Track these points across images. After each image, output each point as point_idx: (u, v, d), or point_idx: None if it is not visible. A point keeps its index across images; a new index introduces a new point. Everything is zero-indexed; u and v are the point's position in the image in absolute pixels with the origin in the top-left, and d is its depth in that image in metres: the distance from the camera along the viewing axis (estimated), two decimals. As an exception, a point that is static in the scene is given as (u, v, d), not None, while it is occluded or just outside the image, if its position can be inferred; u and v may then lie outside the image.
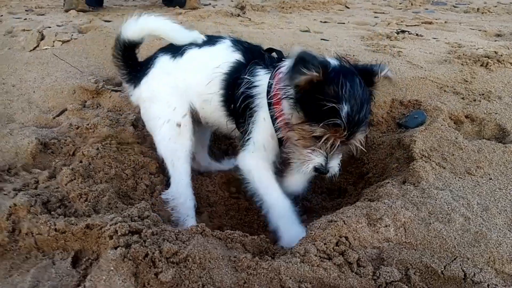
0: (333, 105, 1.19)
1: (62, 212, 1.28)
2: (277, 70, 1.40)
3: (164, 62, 1.61)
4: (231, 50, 1.54)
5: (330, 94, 1.20)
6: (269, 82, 1.41)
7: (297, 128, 1.29)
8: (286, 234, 1.38)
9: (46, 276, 1.09)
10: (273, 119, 1.40)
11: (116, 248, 1.03)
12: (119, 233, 1.08)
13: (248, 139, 1.47)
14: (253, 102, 1.45)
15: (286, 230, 1.39)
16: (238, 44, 1.58)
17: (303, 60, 1.19)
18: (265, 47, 1.61)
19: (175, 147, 1.57)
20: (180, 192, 1.53)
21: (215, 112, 1.58)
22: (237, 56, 1.52)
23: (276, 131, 1.41)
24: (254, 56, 1.52)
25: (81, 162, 1.53)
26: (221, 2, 4.85)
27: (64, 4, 4.01)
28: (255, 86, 1.45)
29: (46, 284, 1.06)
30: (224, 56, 1.53)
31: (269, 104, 1.40)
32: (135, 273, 1.01)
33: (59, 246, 1.19)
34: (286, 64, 1.34)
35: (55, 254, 1.17)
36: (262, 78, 1.45)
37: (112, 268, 0.99)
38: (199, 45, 1.59)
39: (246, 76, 1.46)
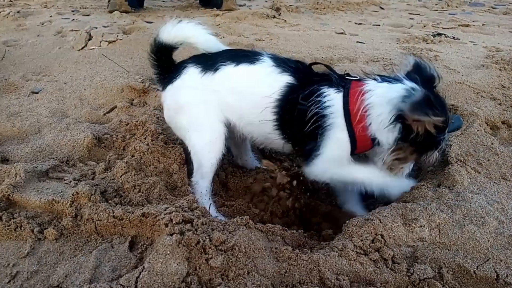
0: (440, 139, 1.40)
1: (119, 201, 1.41)
2: (355, 89, 1.43)
3: (192, 75, 1.59)
4: (277, 72, 1.50)
5: (440, 130, 1.37)
6: (343, 101, 1.43)
7: (405, 154, 1.45)
8: (394, 189, 1.53)
9: (107, 258, 1.21)
10: (352, 139, 1.44)
11: (171, 235, 1.14)
12: (173, 222, 1.19)
13: (318, 155, 1.47)
14: (325, 122, 1.44)
15: (392, 186, 1.53)
16: (280, 63, 1.53)
17: (430, 104, 1.29)
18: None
19: (203, 155, 1.61)
20: (199, 197, 1.59)
21: (264, 135, 1.59)
22: (286, 78, 1.49)
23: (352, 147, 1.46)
24: (304, 74, 1.51)
25: (133, 156, 1.66)
26: (256, 3, 4.95)
27: (108, 5, 4.21)
28: (327, 106, 1.44)
29: (107, 264, 1.19)
30: (272, 82, 1.49)
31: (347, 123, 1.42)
32: (188, 257, 1.12)
33: (116, 231, 1.31)
34: (392, 91, 1.39)
35: (113, 239, 1.29)
36: (333, 97, 1.44)
37: (168, 252, 1.10)
38: (235, 61, 1.54)
39: (314, 98, 1.44)
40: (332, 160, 1.48)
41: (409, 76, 1.46)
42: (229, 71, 1.55)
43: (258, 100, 1.50)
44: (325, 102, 1.44)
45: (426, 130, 1.35)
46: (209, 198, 1.62)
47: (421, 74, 1.45)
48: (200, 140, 1.61)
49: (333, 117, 1.44)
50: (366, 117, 1.41)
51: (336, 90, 1.46)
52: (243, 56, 1.57)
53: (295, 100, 1.46)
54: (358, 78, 1.52)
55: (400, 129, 1.38)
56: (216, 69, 1.56)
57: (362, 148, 1.51)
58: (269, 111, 1.50)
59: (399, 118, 1.36)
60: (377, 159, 1.53)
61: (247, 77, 1.54)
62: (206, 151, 1.61)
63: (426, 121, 1.32)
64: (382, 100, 1.40)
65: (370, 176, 1.53)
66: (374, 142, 1.46)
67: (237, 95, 1.55)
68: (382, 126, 1.40)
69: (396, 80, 1.45)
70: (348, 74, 1.56)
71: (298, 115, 1.46)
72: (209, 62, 1.59)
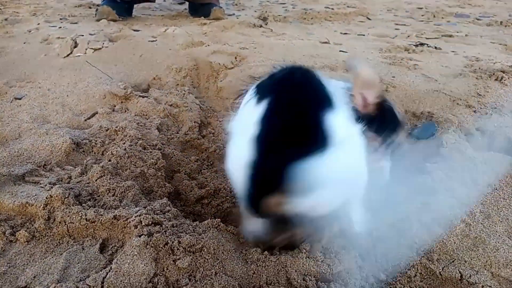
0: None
1: (92, 204, 1.42)
2: None
3: None
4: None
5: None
6: None
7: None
8: None
9: (77, 259, 1.22)
10: None
11: (140, 236, 1.15)
12: (143, 223, 1.20)
13: None
14: None
15: None
16: None
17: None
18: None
19: None
20: None
21: None
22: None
23: None
24: None
25: (110, 160, 1.67)
26: (245, 12, 5.00)
27: (96, 14, 4.24)
28: None
29: (76, 266, 1.19)
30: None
31: None
32: (155, 258, 1.13)
33: (88, 234, 1.32)
34: None
35: (85, 241, 1.30)
36: None
37: (136, 253, 1.11)
38: None
39: None
40: None
41: None
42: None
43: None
44: None
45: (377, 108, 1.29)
46: None
47: None
48: None
49: None
50: None
51: None
52: None
53: None
54: None
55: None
56: None
57: None
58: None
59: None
60: None
61: None
62: None
63: None
64: None
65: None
66: None
67: None
68: None
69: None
70: None
71: None
72: None
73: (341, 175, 1.06)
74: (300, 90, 1.14)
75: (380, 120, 1.32)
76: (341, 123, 1.08)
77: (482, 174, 1.62)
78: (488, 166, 1.64)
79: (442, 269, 1.21)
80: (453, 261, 1.23)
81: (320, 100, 1.11)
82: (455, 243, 1.28)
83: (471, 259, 1.24)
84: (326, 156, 1.00)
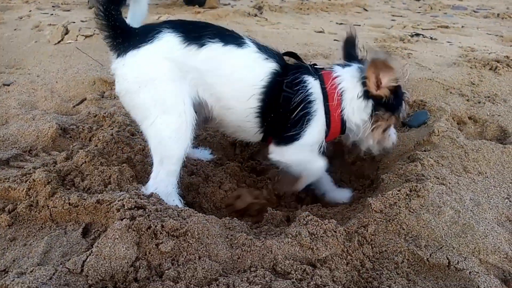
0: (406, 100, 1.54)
1: (76, 189, 1.39)
2: (328, 76, 1.50)
3: (170, 43, 1.36)
4: (263, 58, 1.45)
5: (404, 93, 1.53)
6: (322, 88, 1.48)
7: (384, 121, 1.52)
8: (337, 194, 1.68)
9: (58, 243, 1.19)
10: (327, 120, 1.49)
11: (122, 220, 1.13)
12: (125, 207, 1.18)
13: (294, 140, 1.48)
14: (308, 108, 1.45)
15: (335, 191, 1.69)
16: (262, 49, 1.47)
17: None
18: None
19: (170, 145, 1.39)
20: (162, 196, 1.37)
21: (239, 121, 1.51)
22: (271, 65, 1.45)
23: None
24: (284, 62, 1.50)
25: (96, 146, 1.65)
26: (241, 2, 4.95)
27: (88, 1, 4.18)
28: (311, 93, 1.46)
29: (57, 250, 1.17)
30: (259, 68, 1.44)
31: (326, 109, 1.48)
32: (138, 242, 1.10)
33: (71, 218, 1.29)
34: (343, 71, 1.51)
35: (68, 226, 1.27)
36: (314, 85, 1.47)
37: (117, 237, 1.09)
38: (223, 40, 1.40)
39: (299, 86, 1.45)
40: (307, 145, 1.50)
41: (348, 55, 1.58)
42: (216, 50, 1.38)
43: (244, 86, 1.43)
44: (309, 89, 1.46)
45: (391, 91, 1.45)
46: (179, 199, 1.45)
47: (351, 44, 1.60)
48: (168, 124, 1.37)
49: (316, 103, 1.47)
50: (341, 102, 1.48)
51: (314, 78, 1.49)
52: (230, 36, 1.44)
53: (280, 87, 1.45)
54: (323, 68, 1.56)
55: (372, 104, 1.47)
56: (202, 44, 1.37)
57: (332, 136, 1.56)
58: (255, 98, 1.44)
59: (367, 93, 1.46)
60: (359, 140, 1.60)
61: (235, 61, 1.42)
62: (174, 139, 1.38)
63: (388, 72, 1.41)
64: (350, 86, 1.48)
65: (329, 184, 1.69)
66: (343, 128, 1.53)
67: (221, 78, 1.42)
68: (354, 107, 1.48)
69: (347, 64, 1.55)
70: (315, 64, 1.58)
71: (283, 103, 1.45)
72: (192, 33, 1.38)
73: None
74: None
75: (390, 102, 1.48)
76: None
77: (474, 162, 1.60)
78: (479, 154, 1.62)
79: (430, 255, 1.19)
80: (441, 248, 1.22)
81: None
82: (443, 229, 1.27)
83: (459, 246, 1.22)
84: None
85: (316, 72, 1.52)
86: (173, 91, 1.38)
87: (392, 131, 1.62)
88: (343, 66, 1.54)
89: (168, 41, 1.36)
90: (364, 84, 1.45)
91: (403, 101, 1.53)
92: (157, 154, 1.42)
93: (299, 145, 1.48)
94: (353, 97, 1.48)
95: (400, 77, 1.45)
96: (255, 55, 1.44)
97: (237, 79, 1.44)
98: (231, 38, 1.43)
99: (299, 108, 1.44)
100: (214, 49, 1.38)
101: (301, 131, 1.47)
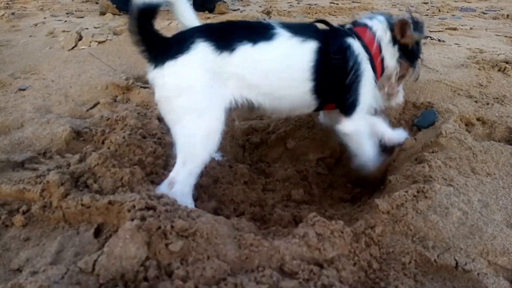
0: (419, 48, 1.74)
1: (88, 191, 1.43)
2: (362, 31, 1.63)
3: (204, 52, 1.42)
4: (300, 41, 1.50)
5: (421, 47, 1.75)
6: (362, 44, 1.60)
7: (403, 70, 1.74)
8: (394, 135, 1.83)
9: (71, 243, 1.23)
10: (375, 76, 1.64)
11: (132, 220, 1.16)
12: (136, 208, 1.21)
13: (354, 106, 1.61)
14: (359, 69, 1.57)
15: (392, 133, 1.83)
16: (295, 30, 1.52)
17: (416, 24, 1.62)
18: None
19: (199, 147, 1.45)
20: (177, 195, 1.41)
21: (294, 104, 1.60)
22: (311, 45, 1.51)
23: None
24: (319, 34, 1.56)
25: (109, 148, 1.68)
26: (250, 8, 5.00)
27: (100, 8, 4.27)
28: (358, 54, 1.57)
29: (70, 249, 1.20)
30: (300, 51, 1.50)
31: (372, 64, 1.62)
32: (148, 242, 1.13)
33: (84, 219, 1.33)
34: (379, 25, 1.65)
35: (80, 226, 1.31)
36: (356, 45, 1.58)
37: (127, 237, 1.11)
38: (251, 40, 1.44)
39: (346, 52, 1.55)
40: (367, 107, 1.66)
41: None
42: (248, 52, 1.45)
43: (292, 74, 1.52)
44: (354, 51, 1.57)
45: (413, 43, 1.66)
46: (192, 200, 1.48)
47: None
48: (199, 128, 1.44)
49: (364, 62, 1.58)
50: (380, 52, 1.64)
51: (354, 38, 1.59)
52: (257, 32, 1.49)
53: (327, 60, 1.53)
54: (351, 26, 1.69)
55: (398, 49, 1.67)
56: (233, 49, 1.43)
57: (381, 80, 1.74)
58: (307, 80, 1.52)
59: (395, 40, 1.65)
60: (384, 91, 1.77)
61: (272, 55, 1.48)
62: (204, 142, 1.45)
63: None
64: (383, 32, 1.64)
65: (384, 127, 1.82)
66: (383, 72, 1.69)
67: (265, 75, 1.49)
68: (390, 53, 1.67)
69: (371, 16, 1.72)
70: (343, 25, 1.70)
71: (335, 71, 1.55)
72: (222, 39, 1.44)
73: None
74: None
75: (413, 51, 1.69)
76: None
77: (482, 163, 1.60)
78: (488, 155, 1.61)
79: (437, 257, 1.20)
80: (448, 249, 1.22)
81: None
82: (451, 230, 1.27)
83: (467, 247, 1.22)
84: None
85: (352, 31, 1.62)
86: (208, 97, 1.45)
87: (401, 91, 1.81)
88: (370, 18, 1.70)
89: (202, 50, 1.42)
90: (392, 30, 1.64)
91: (420, 56, 1.74)
92: (182, 155, 1.47)
93: (360, 110, 1.63)
94: (387, 43, 1.65)
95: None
96: (291, 41, 1.50)
97: (282, 70, 1.51)
98: (259, 33, 1.49)
99: (352, 72, 1.55)
100: (245, 51, 1.45)
101: (358, 95, 1.59)
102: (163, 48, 1.44)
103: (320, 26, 1.65)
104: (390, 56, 1.67)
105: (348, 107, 1.62)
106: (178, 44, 1.43)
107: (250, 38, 1.45)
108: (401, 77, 1.75)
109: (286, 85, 1.53)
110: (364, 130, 1.71)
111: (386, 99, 1.80)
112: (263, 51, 1.47)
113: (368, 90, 1.61)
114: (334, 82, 1.56)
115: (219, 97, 1.47)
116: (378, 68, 1.65)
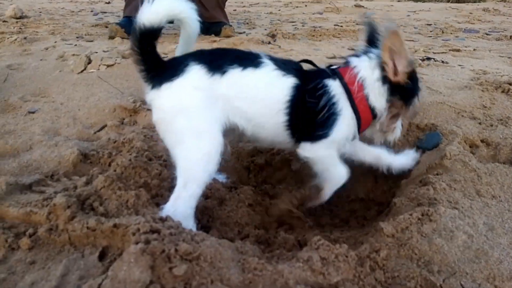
0: (417, 84, 1.62)
1: (94, 213, 1.44)
2: (345, 71, 1.59)
3: (198, 75, 1.48)
4: (282, 75, 1.54)
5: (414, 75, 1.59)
6: (342, 84, 1.57)
7: (395, 109, 1.63)
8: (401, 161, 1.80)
9: (76, 267, 1.24)
10: (357, 116, 1.60)
11: (137, 244, 1.16)
12: (141, 231, 1.22)
13: (321, 137, 1.58)
14: (333, 109, 1.55)
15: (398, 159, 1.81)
16: (280, 64, 1.57)
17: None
18: None
19: (199, 168, 1.49)
20: (180, 218, 1.41)
21: (271, 136, 1.63)
22: (291, 80, 1.54)
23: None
24: (301, 73, 1.58)
25: (115, 170, 1.71)
26: (255, 31, 5.09)
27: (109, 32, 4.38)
28: (333, 95, 1.55)
29: (75, 273, 1.21)
30: (281, 85, 1.54)
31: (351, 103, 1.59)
32: (152, 266, 1.13)
33: (89, 242, 1.34)
34: (360, 65, 1.58)
35: (85, 249, 1.32)
36: (334, 86, 1.56)
37: (132, 260, 1.12)
38: (241, 65, 1.52)
39: (320, 92, 1.54)
40: (335, 142, 1.60)
41: (371, 39, 1.63)
42: (237, 75, 1.51)
43: (269, 104, 1.55)
44: (330, 91, 1.55)
45: (407, 77, 1.55)
46: (195, 223, 1.51)
47: (374, 31, 1.63)
48: (199, 148, 1.48)
49: (340, 102, 1.56)
50: (363, 91, 1.57)
51: (333, 79, 1.57)
52: (246, 59, 1.56)
53: (303, 98, 1.54)
54: (339, 66, 1.66)
55: (388, 88, 1.57)
56: (224, 72, 1.50)
57: (365, 124, 1.65)
58: (281, 113, 1.55)
59: (386, 78, 1.55)
60: (377, 128, 1.70)
61: (255, 82, 1.53)
62: (203, 164, 1.48)
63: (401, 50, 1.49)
64: (368, 71, 1.57)
65: (389, 157, 1.78)
66: (373, 113, 1.62)
67: (247, 100, 1.54)
68: (376, 92, 1.58)
69: (364, 52, 1.63)
70: (330, 65, 1.69)
71: (308, 111, 1.55)
72: (214, 62, 1.51)
73: None
74: None
75: (408, 89, 1.58)
76: None
77: (487, 186, 1.59)
78: (493, 177, 1.61)
79: (443, 281, 1.19)
80: (454, 273, 1.21)
81: None
82: (456, 254, 1.26)
83: (473, 271, 1.21)
84: None
85: (333, 72, 1.60)
86: (205, 118, 1.50)
87: (398, 126, 1.71)
88: (358, 55, 1.63)
89: (195, 73, 1.49)
90: (382, 68, 1.54)
91: (417, 93, 1.63)
92: (182, 177, 1.50)
93: (327, 142, 1.58)
94: (373, 82, 1.57)
95: (412, 61, 1.56)
96: (274, 73, 1.54)
97: (261, 98, 1.55)
98: (248, 60, 1.55)
99: (325, 111, 1.54)
100: (234, 75, 1.51)
101: (329, 130, 1.56)
102: (160, 71, 1.50)
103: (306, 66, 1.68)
104: (377, 95, 1.58)
105: (315, 136, 1.58)
106: (173, 67, 1.50)
107: (241, 63, 1.52)
108: (394, 116, 1.65)
109: (264, 113, 1.56)
110: (326, 155, 1.64)
111: (381, 136, 1.74)
112: (250, 77, 1.52)
113: (342, 128, 1.57)
114: (306, 118, 1.56)
115: (215, 118, 1.51)
116: (362, 109, 1.59)
